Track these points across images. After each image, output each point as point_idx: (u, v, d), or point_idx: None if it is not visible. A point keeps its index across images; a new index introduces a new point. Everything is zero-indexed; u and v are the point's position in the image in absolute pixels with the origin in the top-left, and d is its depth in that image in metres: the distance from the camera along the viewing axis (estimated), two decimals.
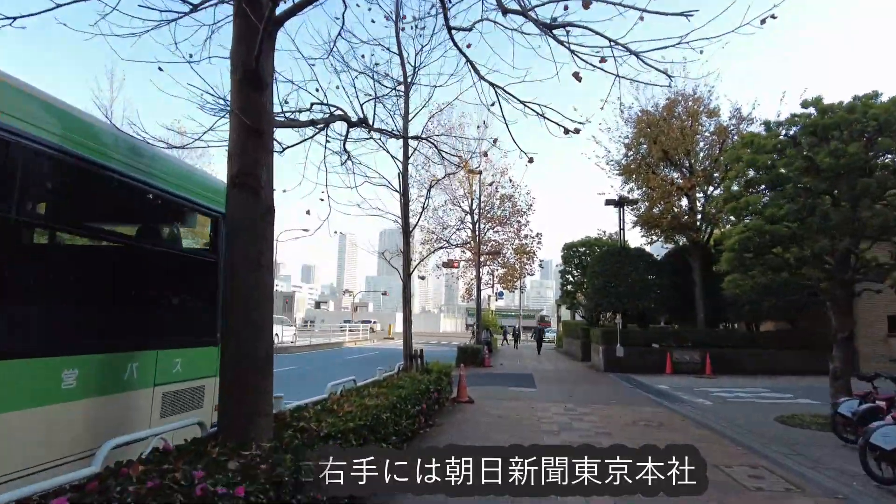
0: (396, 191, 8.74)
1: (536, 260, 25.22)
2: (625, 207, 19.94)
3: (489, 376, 15.94)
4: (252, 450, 2.94)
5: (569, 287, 26.58)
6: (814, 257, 8.21)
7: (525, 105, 4.17)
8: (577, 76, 3.81)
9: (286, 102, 5.75)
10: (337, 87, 6.77)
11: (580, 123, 4.07)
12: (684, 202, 20.61)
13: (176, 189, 4.27)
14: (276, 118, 4.27)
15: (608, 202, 19.91)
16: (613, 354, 18.09)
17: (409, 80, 8.76)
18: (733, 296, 18.69)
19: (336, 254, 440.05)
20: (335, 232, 9.32)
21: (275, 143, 4.83)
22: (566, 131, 4.05)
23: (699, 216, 19.94)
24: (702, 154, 20.93)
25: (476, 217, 24.54)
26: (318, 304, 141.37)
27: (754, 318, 19.55)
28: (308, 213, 5.61)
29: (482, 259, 25.34)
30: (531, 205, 25.05)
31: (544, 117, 4.12)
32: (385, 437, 5.19)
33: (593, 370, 18.83)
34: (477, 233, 23.85)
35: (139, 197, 3.97)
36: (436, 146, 7.26)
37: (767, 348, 18.66)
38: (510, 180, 25.06)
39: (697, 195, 20.16)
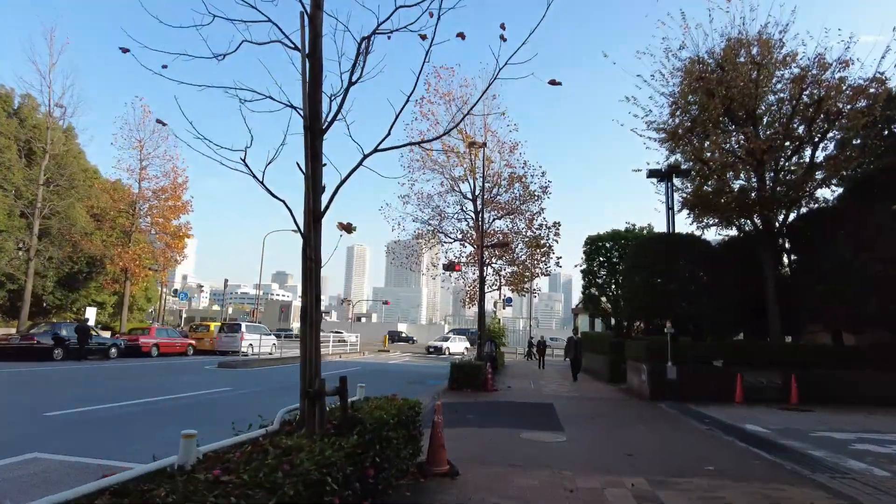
0: (294, 47, 4.17)
1: (553, 256, 20.46)
2: (673, 181, 15.18)
3: (491, 408, 11.18)
4: None
5: (592, 290, 21.77)
6: None
7: None
8: None
9: None
10: None
11: None
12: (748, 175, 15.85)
13: None
14: None
15: (651, 173, 15.18)
16: (663, 377, 13.25)
17: None
18: (826, 295, 13.94)
19: (344, 265, 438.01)
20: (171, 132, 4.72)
21: None
22: None
23: (768, 191, 15.13)
24: (767, 118, 16.24)
25: (479, 204, 19.93)
26: None
27: (854, 326, 14.64)
28: None
29: (486, 255, 20.67)
30: (546, 187, 20.40)
31: None
32: None
33: (634, 398, 13.97)
34: (480, 221, 19.20)
35: None
36: None
37: (864, 368, 13.79)
38: (520, 157, 20.46)
39: (767, 166, 15.39)
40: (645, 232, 20.89)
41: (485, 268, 21.19)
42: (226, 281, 48.24)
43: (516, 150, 20.26)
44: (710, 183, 16.71)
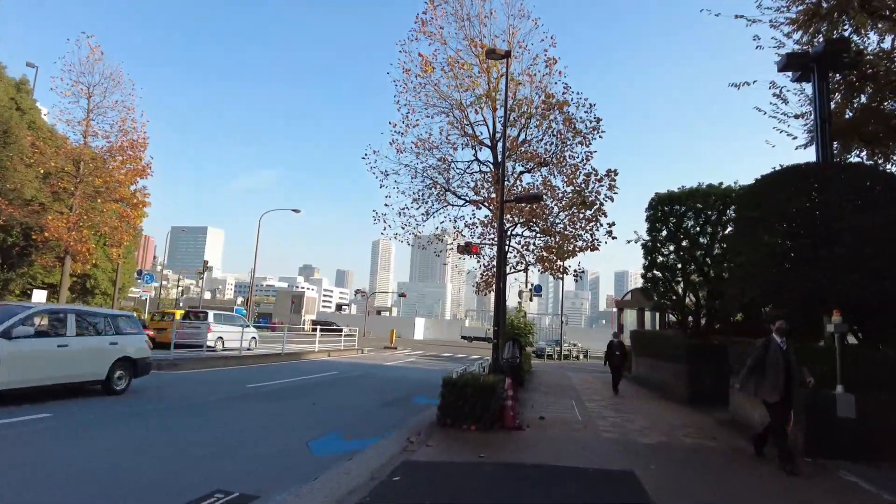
0: None
1: (603, 222, 14.32)
2: (829, 71, 8.84)
3: (511, 490, 5.25)
4: None
5: (656, 272, 15.58)
6: None
7: None
8: None
9: None
10: None
11: None
12: None
13: None
14: None
15: (791, 62, 8.82)
16: (828, 414, 7.08)
17: None
18: None
19: (369, 260, 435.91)
20: None
21: None
22: None
23: None
24: None
25: (500, 148, 14.03)
26: (339, 307, 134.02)
27: None
28: None
29: (509, 220, 14.76)
30: (597, 125, 14.24)
31: None
32: None
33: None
34: (501, 168, 13.22)
35: None
36: None
37: None
38: (561, 80, 14.34)
39: None
40: (737, 186, 14.53)
41: (507, 239, 15.32)
42: (205, 263, 43.37)
43: (554, 68, 14.17)
44: (857, 99, 10.47)
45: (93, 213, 22.11)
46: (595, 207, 13.82)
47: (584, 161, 14.34)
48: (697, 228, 15.22)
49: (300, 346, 25.44)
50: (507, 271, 15.68)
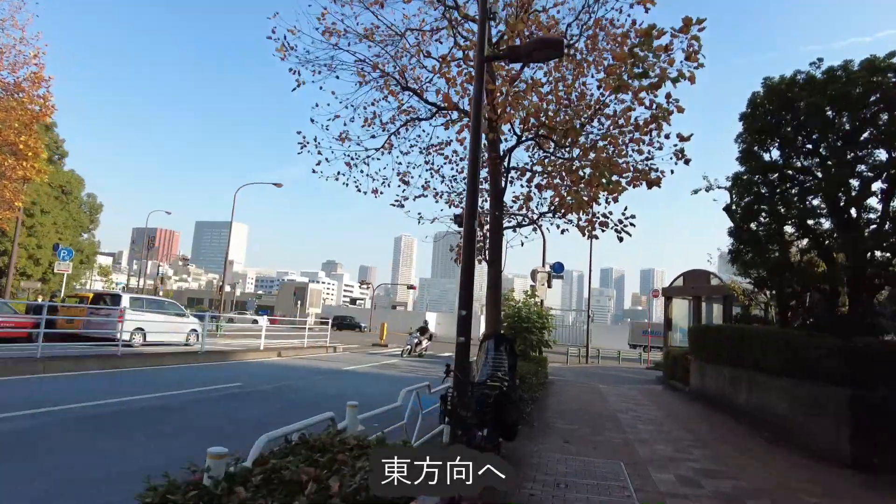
0: None
1: (667, 124, 7.80)
2: None
3: None
4: None
5: (760, 226, 9.11)
6: None
7: None
8: None
9: None
10: None
11: None
12: None
13: None
14: None
15: None
16: None
17: None
18: None
19: (391, 255, 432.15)
20: None
21: None
22: None
23: None
24: None
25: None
26: (353, 301, 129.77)
27: None
28: None
29: (508, 131, 8.58)
30: None
31: None
32: None
33: None
34: (484, 22, 6.85)
35: None
36: None
37: None
38: None
39: None
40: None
41: (504, 174, 9.26)
42: (150, 239, 38.18)
43: None
44: None
45: None
46: (660, 106, 7.37)
47: (635, 24, 7.95)
48: (838, 142, 8.73)
49: (244, 343, 19.77)
50: (506, 215, 9.46)
